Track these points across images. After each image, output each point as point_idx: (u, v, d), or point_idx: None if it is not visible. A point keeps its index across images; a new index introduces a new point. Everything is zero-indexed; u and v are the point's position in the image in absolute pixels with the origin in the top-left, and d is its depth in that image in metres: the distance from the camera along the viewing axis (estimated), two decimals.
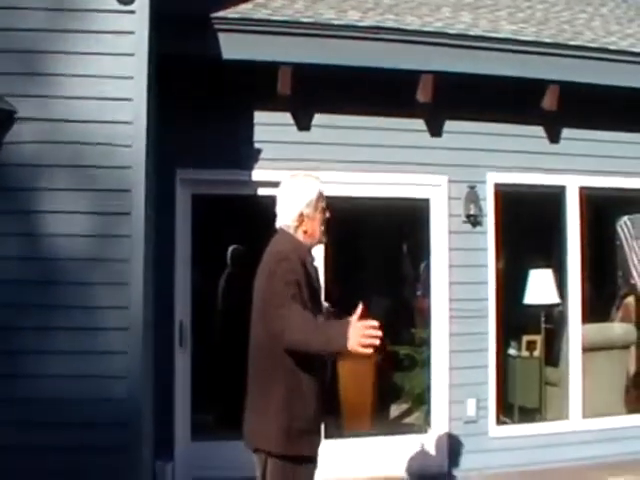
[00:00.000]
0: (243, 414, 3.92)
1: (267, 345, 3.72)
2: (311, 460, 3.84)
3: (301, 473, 3.77)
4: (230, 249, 7.89)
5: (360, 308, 3.48)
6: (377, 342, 3.33)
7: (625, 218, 8.49)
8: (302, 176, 4.08)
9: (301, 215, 3.88)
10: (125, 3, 5.16)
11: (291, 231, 3.90)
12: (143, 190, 5.20)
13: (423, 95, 6.76)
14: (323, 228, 3.98)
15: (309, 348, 3.53)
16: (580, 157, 7.38)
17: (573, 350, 7.40)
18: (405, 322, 8.18)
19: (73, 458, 4.95)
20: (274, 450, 3.70)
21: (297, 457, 3.73)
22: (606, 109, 7.14)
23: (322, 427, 3.94)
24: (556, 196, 7.51)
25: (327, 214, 4.01)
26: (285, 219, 3.91)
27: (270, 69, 6.33)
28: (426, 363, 7.32)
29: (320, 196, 3.95)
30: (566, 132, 7.40)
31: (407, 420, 7.87)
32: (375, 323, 3.35)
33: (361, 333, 3.32)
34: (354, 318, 3.42)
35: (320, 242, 4.03)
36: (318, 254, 6.10)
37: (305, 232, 3.90)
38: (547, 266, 7.55)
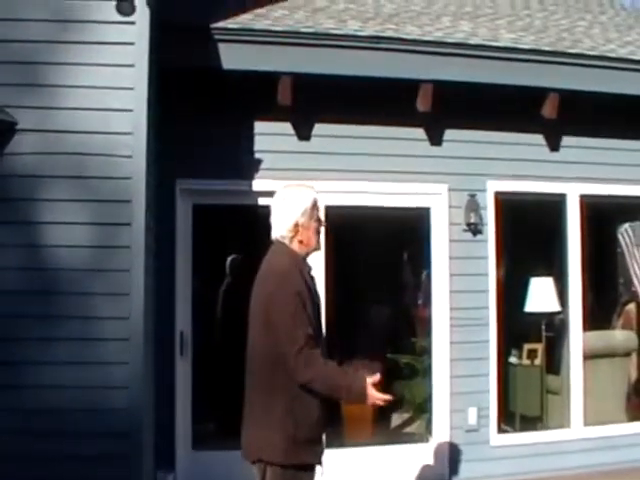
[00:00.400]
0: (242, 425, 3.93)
1: (269, 355, 3.74)
2: (312, 467, 3.85)
3: (302, 478, 3.77)
4: (229, 259, 7.88)
5: (378, 377, 3.83)
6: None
7: (626, 225, 8.47)
8: (295, 186, 4.11)
9: (296, 225, 3.89)
10: (125, 14, 5.15)
11: (287, 242, 3.91)
12: (143, 200, 5.21)
13: (423, 104, 6.76)
14: (318, 236, 4.01)
15: (330, 395, 3.83)
16: (580, 165, 7.39)
17: (574, 358, 7.39)
18: (406, 331, 8.18)
19: (74, 468, 4.95)
20: (278, 460, 3.69)
21: (300, 465, 3.74)
22: (606, 117, 7.15)
23: (324, 435, 3.95)
24: (556, 204, 7.50)
25: (322, 222, 4.04)
26: (280, 230, 3.92)
27: (270, 79, 6.34)
28: (427, 372, 7.31)
29: (315, 205, 3.97)
30: (566, 140, 7.41)
31: (408, 429, 7.85)
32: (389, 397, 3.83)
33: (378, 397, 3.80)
34: (370, 382, 3.78)
35: (315, 250, 4.05)
36: (318, 263, 6.13)
37: (301, 242, 3.92)
38: (548, 274, 7.54)
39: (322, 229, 4.08)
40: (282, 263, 3.84)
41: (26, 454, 4.94)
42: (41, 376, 5.05)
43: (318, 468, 3.89)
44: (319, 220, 4.02)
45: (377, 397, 3.78)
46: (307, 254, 4.00)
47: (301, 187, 4.07)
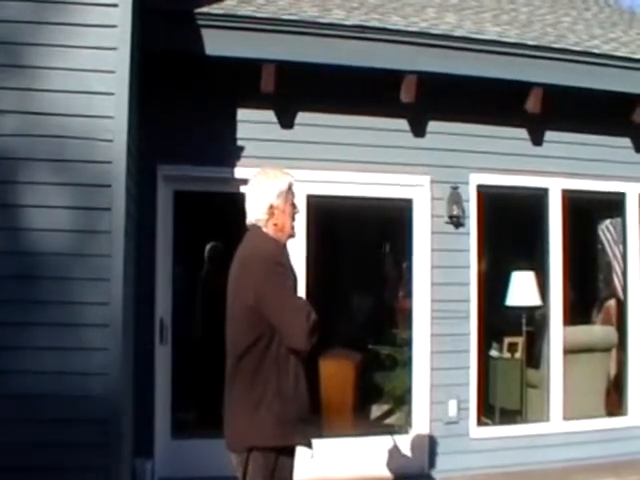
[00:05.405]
0: (223, 415, 3.87)
1: (253, 338, 3.69)
2: (294, 450, 3.81)
3: (284, 462, 3.73)
4: (208, 246, 7.82)
5: None
6: None
7: (607, 222, 8.54)
8: (271, 169, 4.06)
9: (271, 207, 3.85)
10: None
11: (261, 225, 3.87)
12: (124, 185, 5.13)
13: (407, 95, 6.75)
14: (293, 222, 3.97)
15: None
16: (563, 160, 7.41)
17: (554, 352, 7.42)
18: (387, 322, 8.19)
19: (52, 455, 4.88)
20: (267, 443, 3.65)
21: (283, 448, 3.71)
22: (589, 112, 7.18)
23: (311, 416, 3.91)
24: (539, 198, 7.52)
25: (296, 209, 4.00)
26: (255, 213, 3.88)
27: (254, 66, 6.31)
28: (407, 364, 7.30)
29: (290, 188, 3.93)
30: (549, 134, 7.43)
31: (388, 421, 7.85)
32: None
33: None
34: None
35: (290, 237, 4.00)
36: (299, 253, 6.11)
37: (275, 225, 3.87)
38: (529, 268, 7.56)
39: (296, 216, 4.04)
40: (268, 248, 3.80)
41: (2, 441, 4.86)
42: (19, 361, 4.96)
43: (307, 451, 3.86)
44: (294, 205, 3.98)
45: None
46: (281, 240, 3.93)
47: (277, 170, 4.03)
